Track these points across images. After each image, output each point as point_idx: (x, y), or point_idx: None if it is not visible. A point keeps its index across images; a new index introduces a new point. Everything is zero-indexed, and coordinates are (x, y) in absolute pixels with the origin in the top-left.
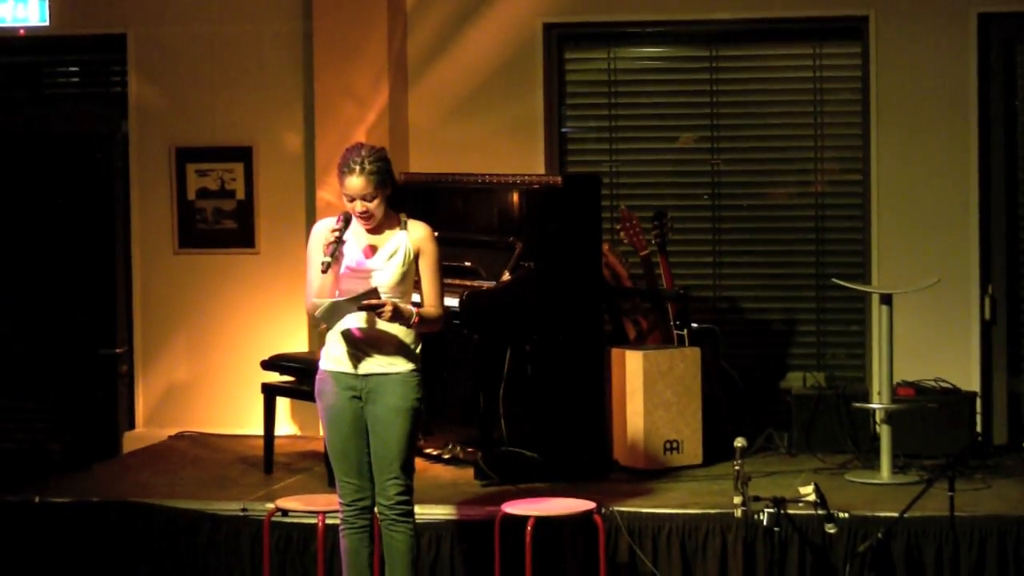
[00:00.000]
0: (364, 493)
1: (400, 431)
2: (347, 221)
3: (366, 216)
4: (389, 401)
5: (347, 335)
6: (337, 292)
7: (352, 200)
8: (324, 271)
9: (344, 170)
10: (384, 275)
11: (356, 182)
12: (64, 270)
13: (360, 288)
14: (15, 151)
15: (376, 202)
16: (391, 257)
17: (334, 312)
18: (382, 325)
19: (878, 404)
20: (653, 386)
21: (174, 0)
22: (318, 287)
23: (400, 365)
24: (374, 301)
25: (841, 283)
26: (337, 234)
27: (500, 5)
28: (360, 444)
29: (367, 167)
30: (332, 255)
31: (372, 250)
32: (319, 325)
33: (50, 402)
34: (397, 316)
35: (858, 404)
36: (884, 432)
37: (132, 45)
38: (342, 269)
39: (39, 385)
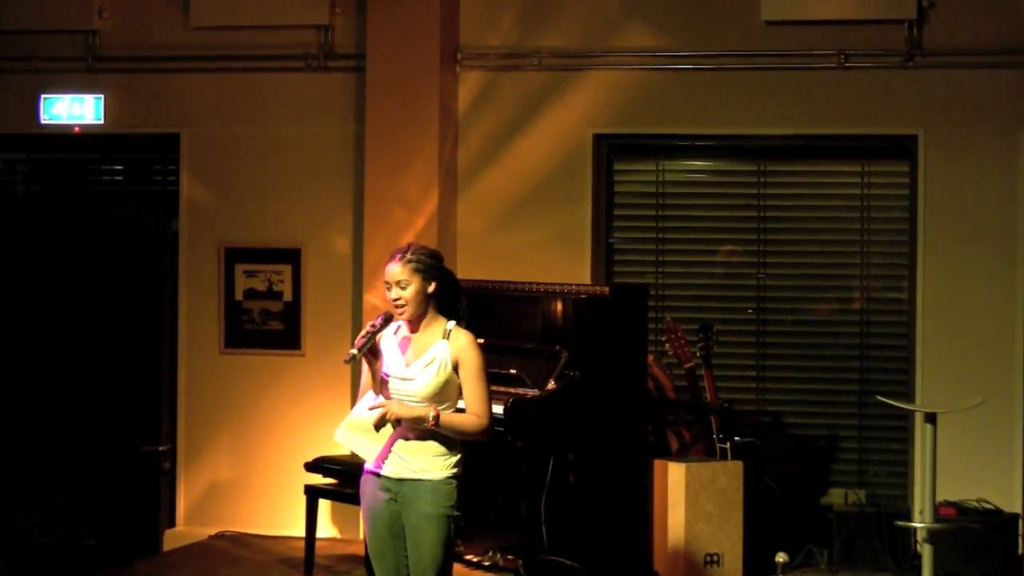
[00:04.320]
0: None
1: (431, 538)
2: (386, 321)
3: (399, 305)
4: (420, 507)
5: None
6: (380, 397)
7: (389, 288)
8: (346, 361)
9: (388, 261)
10: (416, 384)
11: (393, 268)
12: (110, 365)
13: (401, 394)
14: (63, 246)
15: (412, 292)
16: (427, 367)
17: (356, 431)
18: (416, 435)
19: (920, 523)
20: (695, 499)
21: (228, 102)
22: (361, 388)
23: (433, 472)
24: (376, 410)
25: (886, 401)
26: (371, 330)
27: (551, 115)
28: (397, 546)
29: (407, 256)
30: (360, 349)
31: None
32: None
33: (90, 497)
34: (406, 416)
35: (900, 522)
36: (925, 551)
37: (185, 145)
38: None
39: (80, 480)
